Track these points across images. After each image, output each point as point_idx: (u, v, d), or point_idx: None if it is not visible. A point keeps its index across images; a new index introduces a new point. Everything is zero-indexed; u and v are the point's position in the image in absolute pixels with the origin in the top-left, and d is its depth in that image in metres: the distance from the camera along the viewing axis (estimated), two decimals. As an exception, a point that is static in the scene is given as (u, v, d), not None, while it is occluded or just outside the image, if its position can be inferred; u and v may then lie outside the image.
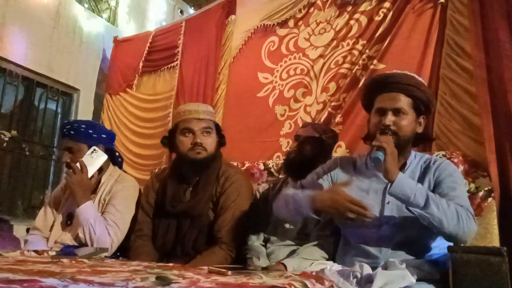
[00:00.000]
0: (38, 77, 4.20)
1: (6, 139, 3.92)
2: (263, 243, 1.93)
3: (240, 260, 1.84)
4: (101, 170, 2.11)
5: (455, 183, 1.48)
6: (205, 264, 1.61)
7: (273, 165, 2.51)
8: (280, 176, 2.34)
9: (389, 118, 1.50)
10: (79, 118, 4.48)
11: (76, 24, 4.51)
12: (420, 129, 1.57)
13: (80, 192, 1.95)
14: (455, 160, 1.88)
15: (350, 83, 2.86)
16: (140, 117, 4.22)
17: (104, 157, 2.03)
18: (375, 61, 2.76)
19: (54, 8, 4.28)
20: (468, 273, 1.25)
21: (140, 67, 4.31)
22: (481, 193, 1.85)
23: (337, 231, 1.74)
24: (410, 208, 1.38)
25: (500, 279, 1.22)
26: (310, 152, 1.95)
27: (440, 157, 1.82)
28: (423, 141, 1.68)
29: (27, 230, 2.24)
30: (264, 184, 2.33)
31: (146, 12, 5.54)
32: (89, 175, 1.98)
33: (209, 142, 1.95)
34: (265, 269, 1.27)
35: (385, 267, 1.34)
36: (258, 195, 2.12)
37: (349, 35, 2.96)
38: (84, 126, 2.11)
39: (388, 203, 1.51)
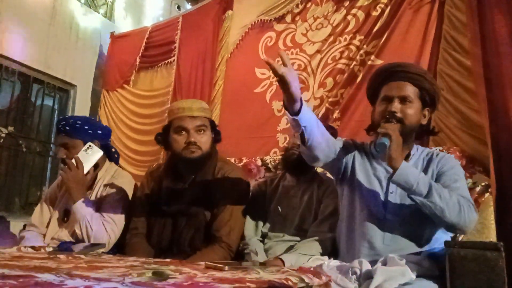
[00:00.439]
0: (35, 73, 4.18)
1: (3, 135, 3.90)
2: (261, 239, 1.93)
3: (238, 256, 1.84)
4: (97, 166, 2.10)
5: (457, 176, 1.49)
6: (205, 261, 1.63)
7: (270, 161, 2.51)
8: (278, 172, 2.34)
9: (396, 105, 1.50)
10: (76, 114, 4.47)
11: (72, 20, 4.49)
12: (424, 121, 1.58)
13: (75, 189, 1.94)
14: (452, 156, 1.88)
15: (347, 79, 2.86)
16: (137, 113, 4.22)
17: (100, 153, 2.02)
18: (372, 57, 2.76)
19: (51, 4, 4.25)
20: (465, 268, 1.25)
21: (137, 63, 4.30)
22: (478, 188, 1.86)
23: (334, 228, 1.74)
24: (413, 196, 1.38)
25: (496, 274, 1.22)
26: None
27: (440, 149, 1.82)
28: (426, 134, 1.68)
29: (24, 226, 2.23)
30: (261, 180, 2.33)
31: (143, 8, 5.52)
32: (85, 172, 1.97)
33: (204, 140, 1.90)
34: (263, 264, 1.27)
35: (385, 263, 1.34)
36: (255, 191, 2.12)
37: (347, 30, 2.96)
38: (79, 122, 2.10)
39: (391, 192, 1.52)
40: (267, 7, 3.41)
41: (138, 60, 4.29)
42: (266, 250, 1.84)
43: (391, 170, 1.43)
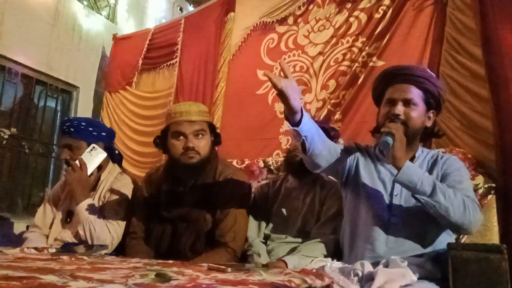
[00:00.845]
0: (38, 75, 4.19)
1: (6, 136, 3.91)
2: (263, 240, 1.93)
3: (241, 257, 1.84)
4: (100, 168, 2.10)
5: (462, 177, 1.50)
6: (210, 262, 1.62)
7: (272, 163, 2.51)
8: (280, 174, 2.34)
9: (399, 108, 1.51)
10: (78, 115, 4.47)
11: (75, 22, 4.50)
12: (429, 124, 1.58)
13: (79, 190, 1.95)
14: (457, 158, 1.88)
15: (349, 81, 2.86)
16: (140, 115, 4.22)
17: (104, 154, 2.03)
18: (374, 58, 2.76)
19: (53, 6, 4.26)
20: (467, 271, 1.25)
21: (140, 65, 4.30)
22: (480, 191, 1.86)
23: (337, 229, 1.74)
24: (417, 196, 1.38)
25: (499, 276, 1.21)
26: None
27: (443, 151, 1.82)
28: (431, 136, 1.67)
29: (27, 228, 2.24)
30: (264, 181, 2.33)
31: (145, 10, 5.53)
32: (88, 173, 1.98)
33: (202, 145, 1.86)
34: (265, 266, 1.27)
35: (386, 265, 1.34)
36: (258, 193, 2.12)
37: (349, 32, 2.96)
38: (84, 123, 2.10)
39: (396, 195, 1.52)
40: (269, 9, 3.41)
41: (140, 61, 4.30)
42: (268, 252, 1.84)
43: (395, 172, 1.44)
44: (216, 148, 2.05)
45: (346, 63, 2.92)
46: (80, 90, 4.60)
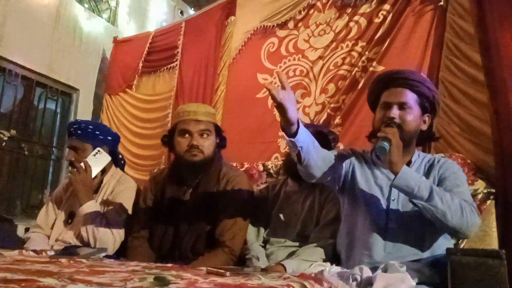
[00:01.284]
0: (38, 77, 4.20)
1: (5, 138, 3.92)
2: (262, 244, 1.93)
3: (240, 261, 1.84)
4: (104, 171, 2.13)
5: (459, 180, 1.50)
6: (208, 265, 1.63)
7: (272, 166, 2.51)
8: (279, 178, 2.34)
9: (394, 112, 1.51)
10: (78, 118, 4.48)
11: (76, 24, 4.52)
12: (424, 127, 1.58)
13: (83, 192, 1.97)
14: (454, 162, 1.88)
15: (349, 85, 2.86)
16: (140, 118, 4.22)
17: (108, 158, 2.06)
18: (374, 63, 2.77)
19: (55, 8, 4.28)
20: (466, 276, 1.25)
21: (140, 68, 4.31)
22: (480, 196, 1.85)
23: (336, 234, 1.74)
24: (414, 200, 1.38)
25: (498, 282, 1.21)
26: None
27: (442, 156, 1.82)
28: (427, 139, 1.68)
29: (26, 230, 2.25)
30: (263, 185, 2.32)
31: (146, 13, 5.54)
32: (93, 176, 2.00)
33: (207, 144, 1.91)
34: (264, 270, 1.27)
35: (385, 270, 1.33)
36: (257, 196, 2.11)
37: (349, 36, 2.96)
38: (91, 126, 2.15)
39: (393, 200, 1.52)
40: (269, 13, 3.42)
41: (140, 64, 4.30)
42: (267, 256, 1.83)
43: (392, 177, 1.44)
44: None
45: (345, 67, 2.92)
46: (80, 92, 4.61)
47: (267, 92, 3.25)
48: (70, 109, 4.60)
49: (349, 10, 3.00)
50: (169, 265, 1.37)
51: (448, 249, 1.32)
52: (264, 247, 1.90)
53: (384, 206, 1.53)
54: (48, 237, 2.10)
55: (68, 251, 1.67)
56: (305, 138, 1.40)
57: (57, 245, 2.01)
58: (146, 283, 0.87)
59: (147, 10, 5.56)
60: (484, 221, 1.78)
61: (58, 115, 4.55)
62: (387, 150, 1.37)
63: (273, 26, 3.39)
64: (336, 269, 1.48)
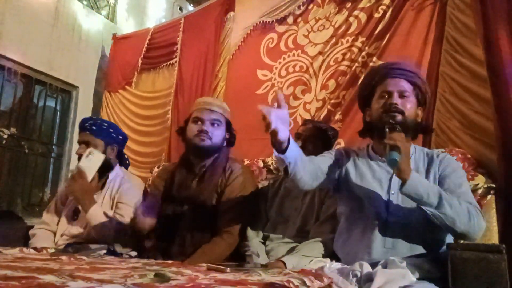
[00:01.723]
0: (37, 75, 4.19)
1: (5, 136, 3.91)
2: (262, 240, 1.93)
3: (240, 257, 1.84)
4: (110, 168, 2.18)
5: (461, 179, 1.50)
6: (206, 256, 1.71)
7: (272, 163, 2.51)
8: (280, 174, 2.34)
9: (396, 98, 1.52)
10: (78, 115, 4.49)
11: (75, 21, 4.50)
12: (418, 119, 1.59)
13: (84, 198, 2.00)
14: (455, 158, 1.88)
15: (349, 81, 2.86)
16: (139, 115, 4.21)
17: (102, 156, 2.06)
18: (374, 58, 2.76)
19: (53, 5, 4.26)
20: (467, 271, 1.25)
21: (139, 64, 4.29)
22: (480, 191, 1.85)
23: (336, 229, 1.73)
24: (423, 207, 1.37)
25: (499, 276, 1.21)
26: (312, 150, 1.95)
27: (442, 151, 1.82)
28: (422, 132, 1.68)
29: (27, 228, 2.27)
30: (263, 181, 2.33)
31: (145, 9, 5.53)
32: (89, 179, 2.01)
33: (216, 133, 2.01)
34: (264, 266, 1.27)
35: (385, 266, 1.33)
36: (258, 192, 2.12)
37: (349, 32, 2.95)
38: (106, 124, 2.24)
39: (393, 193, 1.51)
40: (269, 9, 3.41)
41: (140, 61, 4.29)
42: (267, 252, 1.83)
43: (391, 171, 1.44)
44: None
45: (346, 63, 2.92)
46: (80, 89, 4.60)
47: (267, 88, 3.27)
48: (70, 106, 4.59)
49: (348, 5, 2.99)
50: (170, 261, 1.37)
51: (448, 244, 1.33)
52: (264, 243, 1.91)
53: (385, 199, 1.51)
54: (54, 233, 2.14)
55: (71, 248, 1.68)
56: (294, 154, 1.40)
57: (63, 240, 2.06)
58: (146, 279, 0.87)
59: (146, 7, 5.54)
60: (484, 215, 1.78)
61: (58, 113, 4.54)
62: (399, 161, 1.33)
63: (272, 21, 3.37)
64: (336, 265, 1.48)
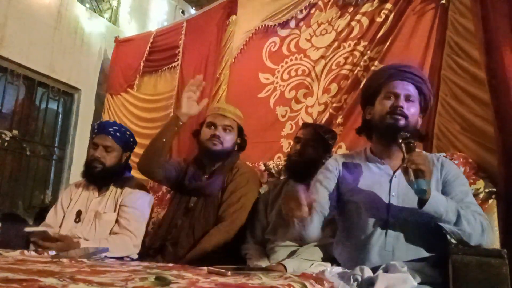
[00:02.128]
0: (40, 77, 4.20)
1: (7, 138, 3.92)
2: (263, 244, 1.93)
3: (240, 261, 1.84)
4: (119, 173, 2.27)
5: (465, 186, 1.50)
6: (203, 247, 1.85)
7: (273, 166, 2.51)
8: (281, 178, 2.34)
9: (402, 101, 1.51)
10: (80, 118, 4.51)
11: (77, 24, 4.52)
12: (418, 126, 1.58)
13: (71, 248, 1.88)
14: (456, 162, 1.88)
15: (351, 84, 2.85)
16: (141, 117, 4.22)
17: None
18: (376, 62, 2.76)
19: (56, 8, 4.28)
20: (468, 275, 1.25)
21: (141, 67, 4.30)
22: (481, 195, 1.84)
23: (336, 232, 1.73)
24: (441, 224, 1.36)
25: (500, 281, 1.21)
26: (312, 153, 1.95)
27: (444, 155, 1.82)
28: (419, 139, 1.66)
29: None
30: (264, 185, 2.33)
31: (147, 12, 5.54)
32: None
33: (227, 138, 2.12)
34: (265, 270, 1.27)
35: (386, 270, 1.33)
36: (260, 195, 2.13)
37: (351, 36, 2.96)
38: (128, 132, 2.32)
39: (393, 195, 1.50)
40: (271, 13, 3.41)
41: (142, 64, 4.30)
42: (268, 255, 1.84)
43: (391, 173, 1.47)
44: None
45: (348, 67, 2.92)
46: (82, 92, 4.61)
47: (269, 92, 3.27)
48: (72, 109, 4.60)
49: (350, 9, 2.99)
50: (170, 265, 1.37)
51: (450, 249, 1.32)
52: (264, 246, 1.90)
53: (386, 201, 1.50)
54: None
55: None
56: None
57: None
58: (147, 282, 0.87)
59: (149, 10, 5.56)
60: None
61: (60, 115, 4.55)
62: (427, 188, 1.30)
63: (275, 25, 3.38)
64: (337, 269, 1.47)
